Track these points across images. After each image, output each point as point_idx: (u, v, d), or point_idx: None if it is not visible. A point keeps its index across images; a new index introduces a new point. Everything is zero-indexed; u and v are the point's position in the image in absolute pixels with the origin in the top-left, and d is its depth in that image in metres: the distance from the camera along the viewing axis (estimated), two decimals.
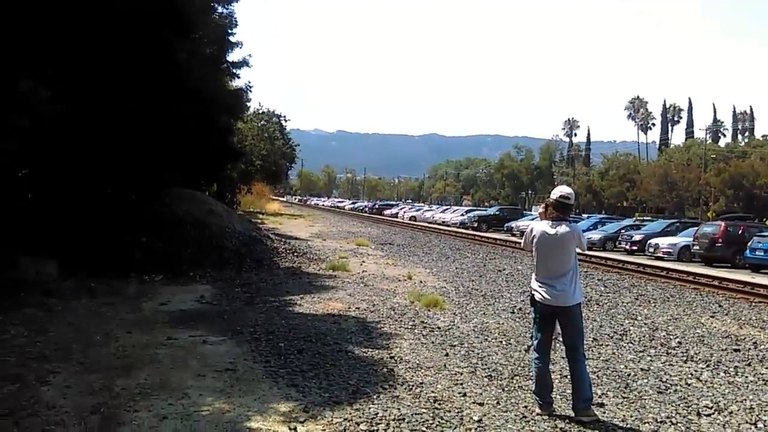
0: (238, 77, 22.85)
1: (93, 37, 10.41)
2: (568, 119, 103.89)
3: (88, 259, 10.89)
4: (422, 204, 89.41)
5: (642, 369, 6.83)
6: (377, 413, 4.88)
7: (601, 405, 5.43)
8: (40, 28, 9.16)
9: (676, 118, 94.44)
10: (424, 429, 4.61)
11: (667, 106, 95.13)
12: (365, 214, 65.31)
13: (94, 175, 11.30)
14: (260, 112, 53.49)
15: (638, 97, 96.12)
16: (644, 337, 8.65)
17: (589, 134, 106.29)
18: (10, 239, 9.70)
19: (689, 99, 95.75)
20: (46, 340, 6.72)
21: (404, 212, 60.60)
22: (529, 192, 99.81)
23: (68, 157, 10.92)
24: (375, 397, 5.30)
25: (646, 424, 5.04)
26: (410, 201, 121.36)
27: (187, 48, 13.48)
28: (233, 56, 21.79)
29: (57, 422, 4.41)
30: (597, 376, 6.37)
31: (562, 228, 5.17)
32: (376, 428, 4.57)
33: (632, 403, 5.59)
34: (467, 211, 50.25)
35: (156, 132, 12.19)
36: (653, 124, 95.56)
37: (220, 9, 18.53)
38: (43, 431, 4.24)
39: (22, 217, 10.35)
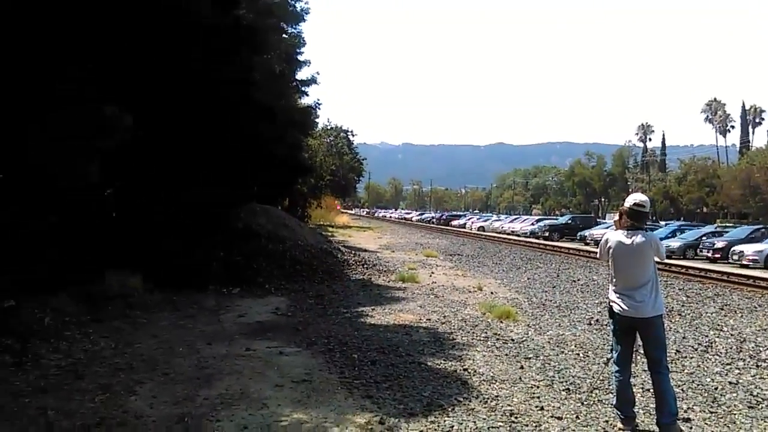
0: (307, 95, 23.46)
1: (174, 57, 10.90)
2: (642, 124, 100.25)
3: (170, 273, 11.35)
4: (490, 214, 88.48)
5: (730, 382, 6.51)
6: (453, 426, 4.85)
7: (687, 420, 5.21)
8: (121, 49, 9.66)
9: (757, 120, 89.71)
10: None
11: (747, 107, 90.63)
12: (433, 225, 65.15)
13: (174, 191, 11.79)
14: (328, 128, 54.59)
15: (715, 99, 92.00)
16: (731, 348, 8.24)
17: (664, 138, 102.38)
18: (97, 255, 10.23)
19: None
20: (132, 351, 7.03)
21: (472, 222, 59.95)
22: (602, 199, 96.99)
23: (151, 176, 11.46)
24: (450, 409, 5.27)
25: None
26: (478, 211, 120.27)
27: (260, 67, 13.92)
28: (302, 74, 22.39)
29: (145, 431, 4.60)
30: (682, 390, 6.11)
31: (638, 237, 5.02)
32: None
33: (721, 418, 5.34)
34: (537, 221, 49.29)
35: (232, 149, 12.62)
36: (732, 127, 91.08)
37: (289, 29, 19.07)
38: None
39: (107, 234, 10.91)
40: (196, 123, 11.69)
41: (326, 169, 43.87)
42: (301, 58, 21.46)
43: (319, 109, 26.04)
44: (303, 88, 22.81)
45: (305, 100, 24.12)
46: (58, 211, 8.76)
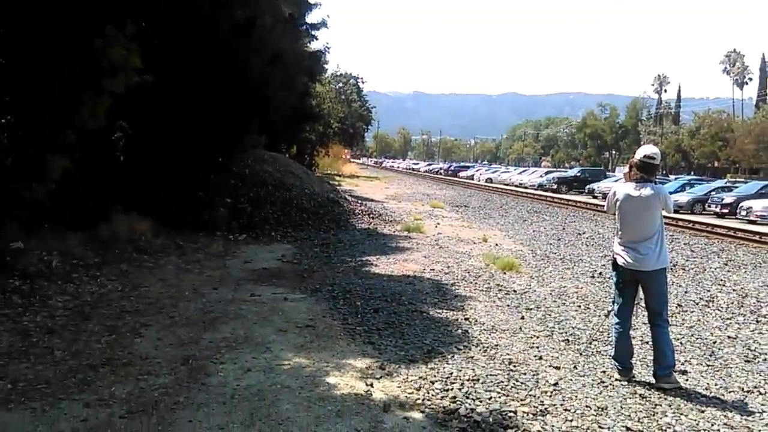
0: (317, 39, 22.95)
1: (185, 6, 10.71)
2: (658, 75, 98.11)
3: (178, 218, 11.44)
4: (499, 165, 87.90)
5: (729, 336, 6.57)
6: (452, 373, 4.93)
7: (684, 372, 5.28)
8: None
9: None
10: (498, 390, 4.63)
11: (766, 59, 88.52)
12: (440, 176, 64.97)
13: (183, 137, 11.74)
14: (338, 74, 53.78)
15: (735, 50, 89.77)
16: (732, 304, 8.28)
17: (679, 91, 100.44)
18: (105, 198, 10.28)
19: None
20: (138, 294, 7.14)
21: (480, 174, 59.63)
22: (613, 152, 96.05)
23: (159, 120, 11.39)
24: (450, 357, 5.36)
25: (732, 393, 4.86)
26: (486, 162, 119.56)
27: (269, 9, 13.63)
28: (311, 17, 21.88)
29: (150, 372, 4.71)
30: (680, 343, 6.18)
31: (647, 190, 4.98)
32: (450, 387, 4.63)
33: (717, 371, 5.40)
34: (546, 173, 49.06)
35: (241, 94, 12.47)
36: (750, 79, 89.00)
37: None
38: (137, 380, 4.54)
39: (115, 178, 10.94)
40: (204, 67, 11.54)
41: (334, 116, 43.46)
42: (311, 0, 20.91)
43: (328, 53, 25.55)
44: (312, 32, 22.32)
45: (314, 45, 23.65)
46: (67, 153, 8.75)
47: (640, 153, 5.15)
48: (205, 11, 11.29)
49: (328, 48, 25.22)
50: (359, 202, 20.79)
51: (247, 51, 12.46)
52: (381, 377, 4.80)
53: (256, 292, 7.48)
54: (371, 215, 17.35)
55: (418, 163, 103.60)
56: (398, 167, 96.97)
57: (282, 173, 15.66)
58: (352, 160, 79.99)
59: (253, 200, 13.53)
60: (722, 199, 25.65)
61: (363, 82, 60.40)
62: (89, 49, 8.44)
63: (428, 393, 4.53)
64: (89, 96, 8.59)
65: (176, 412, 4.02)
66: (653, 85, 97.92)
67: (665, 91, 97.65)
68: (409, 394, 4.51)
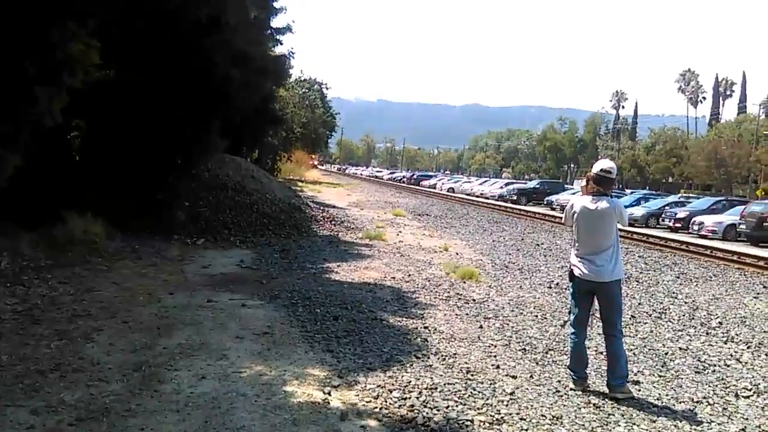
0: (281, 43, 22.77)
1: None
2: (616, 91, 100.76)
3: (134, 221, 11.17)
4: (461, 175, 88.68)
5: (680, 348, 6.74)
6: (410, 381, 4.93)
7: (637, 383, 5.38)
8: None
9: (728, 92, 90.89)
10: (456, 399, 4.65)
11: (720, 79, 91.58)
12: (403, 185, 65.15)
13: (141, 137, 11.49)
14: (302, 79, 53.51)
15: (690, 69, 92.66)
16: (684, 316, 8.50)
17: (636, 107, 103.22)
18: (58, 198, 9.99)
19: (743, 72, 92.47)
20: (91, 298, 6.94)
21: (442, 183, 60.16)
22: (572, 165, 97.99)
23: (116, 119, 11.14)
24: (408, 365, 5.35)
25: (682, 404, 4.98)
26: (449, 172, 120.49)
27: (235, 11, 13.48)
28: (276, 22, 21.74)
29: (101, 378, 4.58)
30: (634, 353, 6.31)
31: (603, 203, 5.09)
32: (408, 396, 4.63)
33: (669, 382, 5.53)
34: (507, 184, 49.68)
35: (204, 93, 12.28)
36: (704, 98, 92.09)
37: None
38: (87, 386, 4.41)
39: (70, 178, 10.65)
40: (166, 64, 11.33)
41: (297, 122, 43.19)
42: (276, 5, 20.80)
43: (292, 58, 25.40)
44: (277, 37, 22.16)
45: (279, 49, 23.48)
46: (19, 150, 8.47)
47: (597, 167, 5.27)
48: (171, 6, 11.09)
49: (293, 53, 25.08)
50: (321, 208, 20.73)
51: (212, 50, 12.28)
52: (339, 385, 4.77)
53: (213, 298, 7.36)
54: (333, 222, 17.30)
55: (381, 171, 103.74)
56: (362, 174, 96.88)
57: (243, 177, 15.48)
58: (318, 166, 79.71)
59: (212, 204, 13.33)
60: (676, 214, 26.38)
61: (327, 88, 60.31)
62: (46, 43, 8.20)
63: (386, 401, 4.51)
64: (45, 92, 8.34)
65: (127, 420, 3.92)
66: (612, 101, 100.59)
67: (623, 107, 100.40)
68: (367, 402, 4.49)
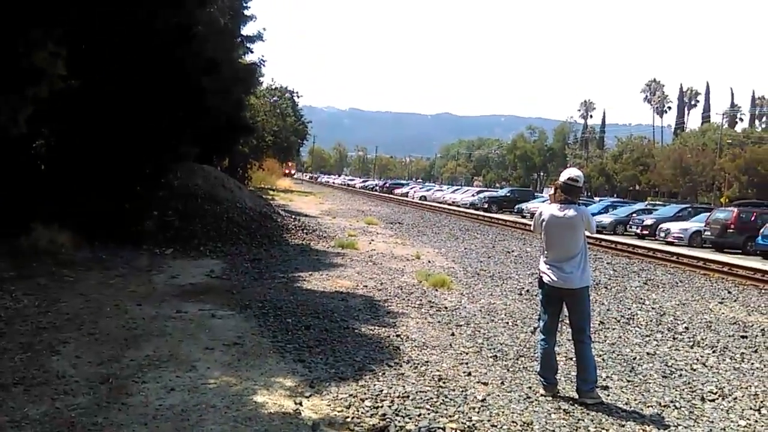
0: (252, 51, 22.71)
1: (113, 5, 10.37)
2: (584, 101, 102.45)
3: (101, 231, 10.97)
4: (433, 184, 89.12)
5: (648, 353, 6.85)
6: (382, 390, 4.93)
7: (606, 388, 5.45)
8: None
9: (692, 102, 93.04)
10: (428, 407, 4.65)
11: (684, 89, 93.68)
12: (375, 193, 65.29)
13: (110, 146, 11.31)
14: (273, 87, 53.23)
15: (655, 79, 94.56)
16: (651, 321, 8.65)
17: (604, 116, 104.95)
18: (23, 208, 9.78)
19: (707, 83, 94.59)
20: (57, 310, 6.80)
21: (414, 192, 60.38)
22: (541, 174, 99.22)
23: (83, 128, 10.96)
24: (380, 374, 5.35)
25: (650, 408, 5.06)
26: (421, 180, 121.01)
27: (205, 19, 13.41)
28: (247, 30, 21.70)
29: (66, 391, 4.48)
30: (602, 359, 6.39)
31: (571, 211, 5.16)
32: (380, 405, 4.62)
33: (636, 386, 5.61)
34: (478, 192, 50.07)
35: (173, 103, 12.15)
36: (669, 108, 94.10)
37: None
38: (52, 400, 4.31)
39: (35, 187, 10.43)
40: (135, 72, 11.18)
41: (268, 130, 42.92)
42: (247, 12, 20.74)
43: (263, 66, 25.36)
44: (248, 45, 22.08)
45: (250, 57, 23.37)
46: None
47: (565, 175, 5.34)
48: (140, 15, 10.98)
49: (264, 61, 25.00)
50: (293, 217, 20.60)
51: (182, 59, 12.19)
52: (310, 395, 4.74)
53: (182, 309, 7.25)
54: (305, 231, 17.21)
55: (353, 179, 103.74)
56: (334, 183, 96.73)
57: (213, 186, 15.33)
58: (293, 173, 79.09)
59: (181, 213, 13.16)
60: (643, 221, 26.88)
61: (299, 97, 60.04)
62: (9, 52, 8.05)
63: (358, 411, 4.50)
64: (8, 101, 8.18)
65: None
66: (580, 110, 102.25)
67: (591, 116, 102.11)
68: (339, 412, 4.47)
